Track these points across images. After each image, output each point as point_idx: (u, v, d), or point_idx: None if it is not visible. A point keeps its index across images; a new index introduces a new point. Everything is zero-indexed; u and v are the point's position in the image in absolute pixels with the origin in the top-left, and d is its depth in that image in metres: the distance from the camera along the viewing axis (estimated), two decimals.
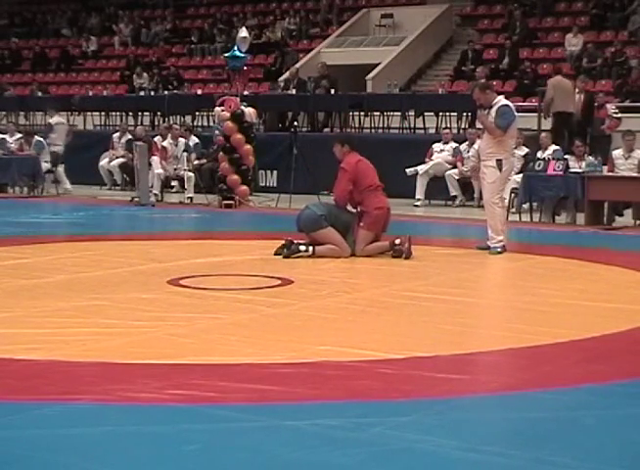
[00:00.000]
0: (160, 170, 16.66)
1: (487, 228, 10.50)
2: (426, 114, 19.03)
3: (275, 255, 9.87)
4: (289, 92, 20.93)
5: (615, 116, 17.12)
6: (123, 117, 21.60)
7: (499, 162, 10.34)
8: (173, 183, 17.57)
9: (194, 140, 17.60)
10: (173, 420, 4.56)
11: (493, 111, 10.43)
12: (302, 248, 9.88)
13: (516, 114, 10.59)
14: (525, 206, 14.32)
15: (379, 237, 10.15)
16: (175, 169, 16.91)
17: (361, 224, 10.04)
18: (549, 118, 16.88)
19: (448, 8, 26.12)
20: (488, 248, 10.40)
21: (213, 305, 7.33)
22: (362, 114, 19.55)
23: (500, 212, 10.55)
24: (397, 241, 9.86)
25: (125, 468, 3.98)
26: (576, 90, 16.50)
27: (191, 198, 16.48)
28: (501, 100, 10.60)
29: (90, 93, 24.00)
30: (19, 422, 4.50)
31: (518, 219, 14.02)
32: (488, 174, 10.42)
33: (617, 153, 13.98)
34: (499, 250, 10.32)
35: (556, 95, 16.68)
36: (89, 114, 22.76)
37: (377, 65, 23.68)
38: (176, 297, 7.74)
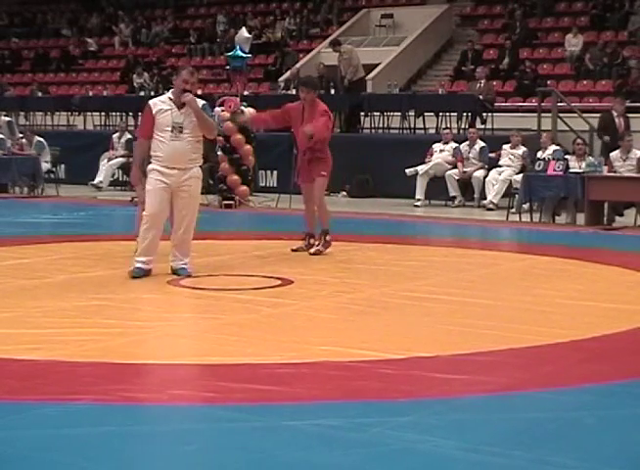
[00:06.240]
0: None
1: (176, 250, 8.74)
2: (426, 114, 19.01)
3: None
4: (289, 92, 20.89)
5: None
6: (123, 117, 21.59)
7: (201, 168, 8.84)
8: None
9: None
10: (173, 420, 4.56)
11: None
12: None
13: None
14: (526, 206, 14.30)
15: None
16: None
17: (323, 173, 10.18)
18: None
19: (448, 8, 26.11)
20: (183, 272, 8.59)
21: (213, 305, 7.33)
22: (362, 114, 19.52)
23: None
24: (312, 241, 10.19)
25: (125, 468, 3.98)
26: (615, 114, 15.69)
27: None
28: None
29: (90, 93, 23.97)
30: (19, 422, 4.49)
31: (518, 219, 14.01)
32: (195, 188, 8.63)
33: (614, 154, 13.94)
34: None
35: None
36: (89, 114, 22.74)
37: (377, 65, 23.66)
38: (176, 297, 7.74)
